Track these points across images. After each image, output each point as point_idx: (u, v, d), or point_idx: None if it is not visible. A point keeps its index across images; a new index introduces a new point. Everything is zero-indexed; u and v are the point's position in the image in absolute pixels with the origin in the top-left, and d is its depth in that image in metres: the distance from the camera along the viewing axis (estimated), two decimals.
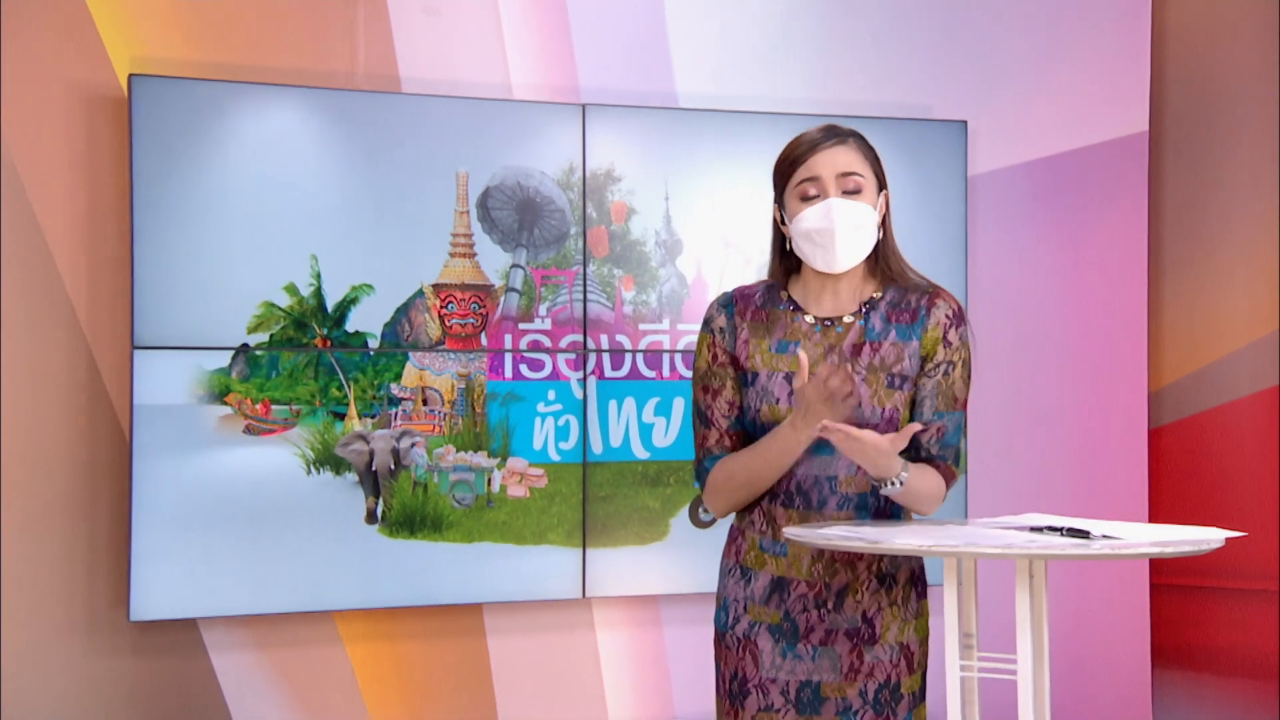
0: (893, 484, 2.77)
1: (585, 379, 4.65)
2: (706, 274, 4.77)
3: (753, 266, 4.75)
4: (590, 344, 4.66)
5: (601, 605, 4.74)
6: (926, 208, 4.92)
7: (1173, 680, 5.29)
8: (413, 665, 4.58)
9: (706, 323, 2.99)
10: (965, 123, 4.95)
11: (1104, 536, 2.62)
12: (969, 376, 2.94)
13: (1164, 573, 5.26)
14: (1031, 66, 5.14)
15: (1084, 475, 5.18)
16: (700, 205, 4.77)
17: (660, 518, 4.73)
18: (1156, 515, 5.18)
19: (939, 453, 2.91)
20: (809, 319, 2.92)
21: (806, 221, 2.86)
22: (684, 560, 4.72)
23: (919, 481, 2.83)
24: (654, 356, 4.72)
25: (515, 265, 4.59)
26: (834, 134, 2.89)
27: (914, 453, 2.91)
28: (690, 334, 4.71)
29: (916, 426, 2.68)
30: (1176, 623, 5.29)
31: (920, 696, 2.97)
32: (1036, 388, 5.16)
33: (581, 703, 4.73)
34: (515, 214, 4.58)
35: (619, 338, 4.69)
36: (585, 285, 4.65)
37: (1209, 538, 2.62)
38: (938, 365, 2.90)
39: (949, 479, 2.93)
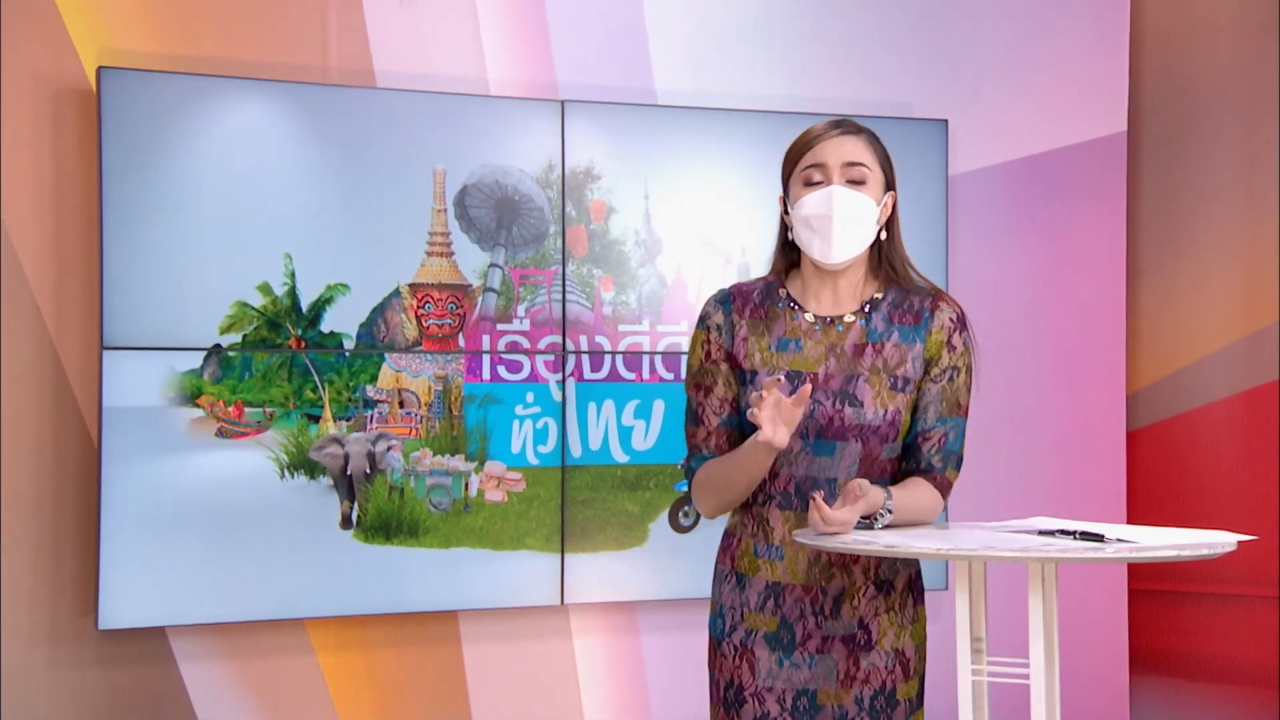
0: (883, 515, 2.73)
1: (564, 381, 4.57)
2: (686, 274, 4.70)
3: (733, 266, 4.68)
4: (569, 345, 4.57)
5: (579, 612, 4.65)
6: (906, 207, 4.85)
7: (1150, 685, 5.28)
8: (387, 674, 4.48)
9: (703, 319, 2.93)
10: (946, 122, 4.90)
11: (1118, 540, 2.57)
12: (971, 383, 2.90)
13: (1141, 578, 5.25)
14: (1011, 66, 5.11)
15: (1063, 477, 5.15)
16: (681, 204, 4.69)
17: (639, 523, 4.65)
18: (1134, 518, 5.15)
19: (939, 463, 2.87)
20: (809, 317, 2.87)
21: (807, 207, 2.82)
22: (663, 566, 4.64)
23: (910, 501, 2.79)
24: (634, 358, 4.65)
25: (493, 265, 4.50)
26: (845, 126, 2.87)
27: (914, 462, 2.86)
28: (670, 335, 4.64)
29: (860, 488, 2.63)
30: (1154, 628, 5.27)
31: (918, 703, 2.93)
32: (1015, 390, 5.11)
33: (558, 711, 4.64)
34: (493, 212, 4.49)
35: (598, 339, 4.61)
36: (564, 285, 4.56)
37: (1222, 541, 2.59)
38: (943, 371, 2.85)
39: (945, 489, 2.88)
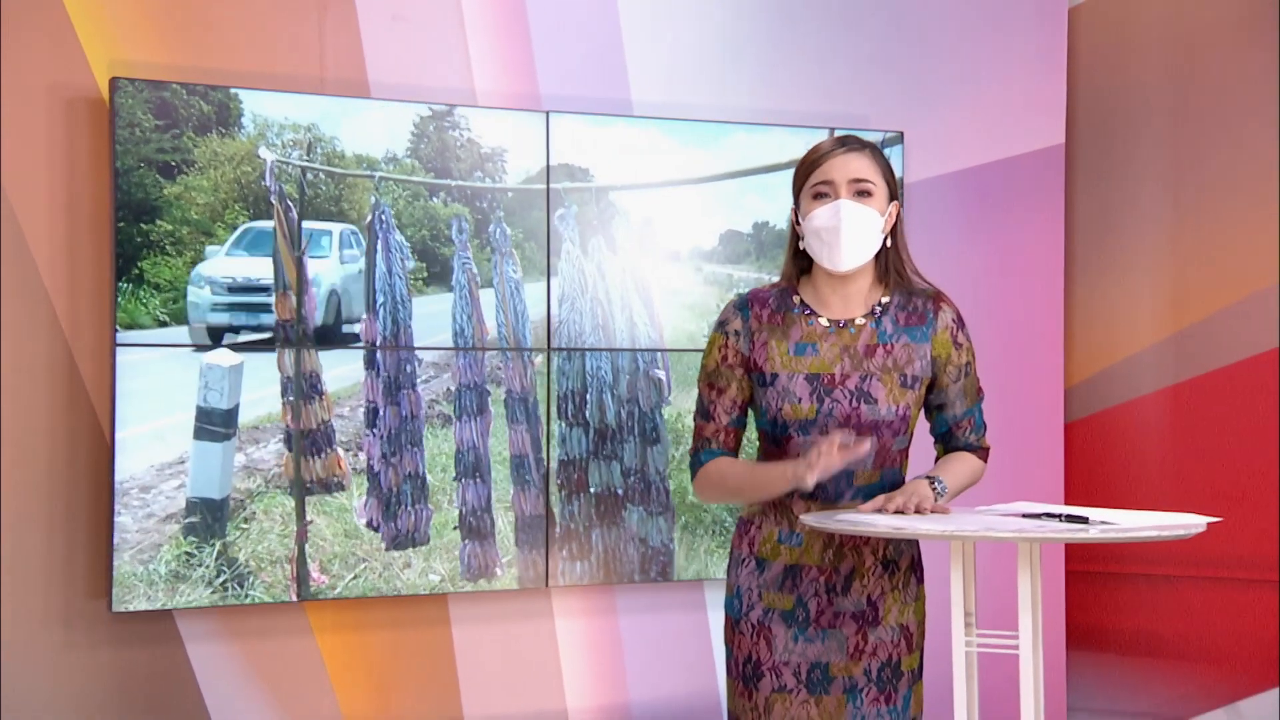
0: (939, 494, 3.05)
1: (549, 368, 4.81)
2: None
3: (702, 275, 4.96)
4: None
5: (560, 594, 4.90)
6: None
7: (1085, 661, 5.59)
8: (381, 654, 4.69)
9: (721, 324, 3.17)
10: (902, 133, 5.20)
11: (1102, 522, 2.88)
12: (976, 370, 3.25)
13: (1077, 560, 5.56)
14: (960, 83, 5.40)
15: (1006, 465, 5.36)
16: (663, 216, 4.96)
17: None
18: (1071, 502, 5.44)
19: (975, 439, 3.22)
20: (823, 321, 3.13)
21: (817, 220, 3.08)
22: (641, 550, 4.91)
23: (957, 477, 3.13)
24: None
25: None
26: (851, 143, 3.11)
27: (954, 444, 3.19)
28: None
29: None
30: (1089, 607, 5.59)
31: (919, 674, 3.20)
32: None
33: (540, 688, 4.87)
34: None
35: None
36: (549, 293, 4.78)
37: (1193, 522, 2.90)
38: (959, 369, 3.15)
39: (985, 456, 3.27)
